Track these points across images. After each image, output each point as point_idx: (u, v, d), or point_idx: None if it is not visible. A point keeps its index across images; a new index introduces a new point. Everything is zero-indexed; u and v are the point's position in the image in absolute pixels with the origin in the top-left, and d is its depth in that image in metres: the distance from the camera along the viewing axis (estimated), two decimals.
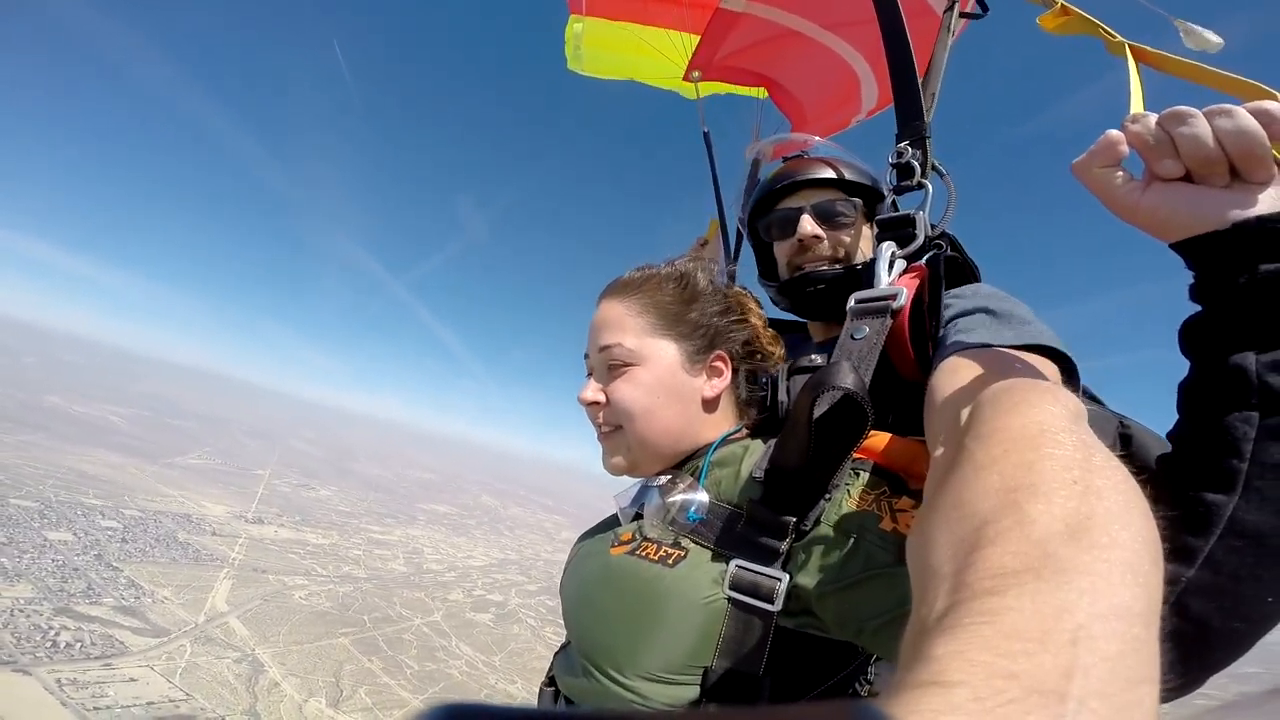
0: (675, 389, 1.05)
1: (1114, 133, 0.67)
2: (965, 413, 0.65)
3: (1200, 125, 0.62)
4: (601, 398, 1.07)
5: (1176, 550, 0.60)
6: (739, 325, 1.14)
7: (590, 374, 1.12)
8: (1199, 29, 1.25)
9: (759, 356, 1.14)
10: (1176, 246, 0.67)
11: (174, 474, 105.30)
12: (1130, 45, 0.97)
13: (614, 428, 1.07)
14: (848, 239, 1.35)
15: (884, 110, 2.32)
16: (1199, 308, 0.68)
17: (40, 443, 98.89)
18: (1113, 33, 1.05)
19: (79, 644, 42.06)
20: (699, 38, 2.34)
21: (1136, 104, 0.86)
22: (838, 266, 1.34)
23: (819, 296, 1.34)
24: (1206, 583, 0.58)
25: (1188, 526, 0.60)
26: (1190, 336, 0.68)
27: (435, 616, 69.27)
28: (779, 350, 1.16)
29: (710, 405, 1.08)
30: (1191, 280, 0.68)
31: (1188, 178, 0.65)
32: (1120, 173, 0.68)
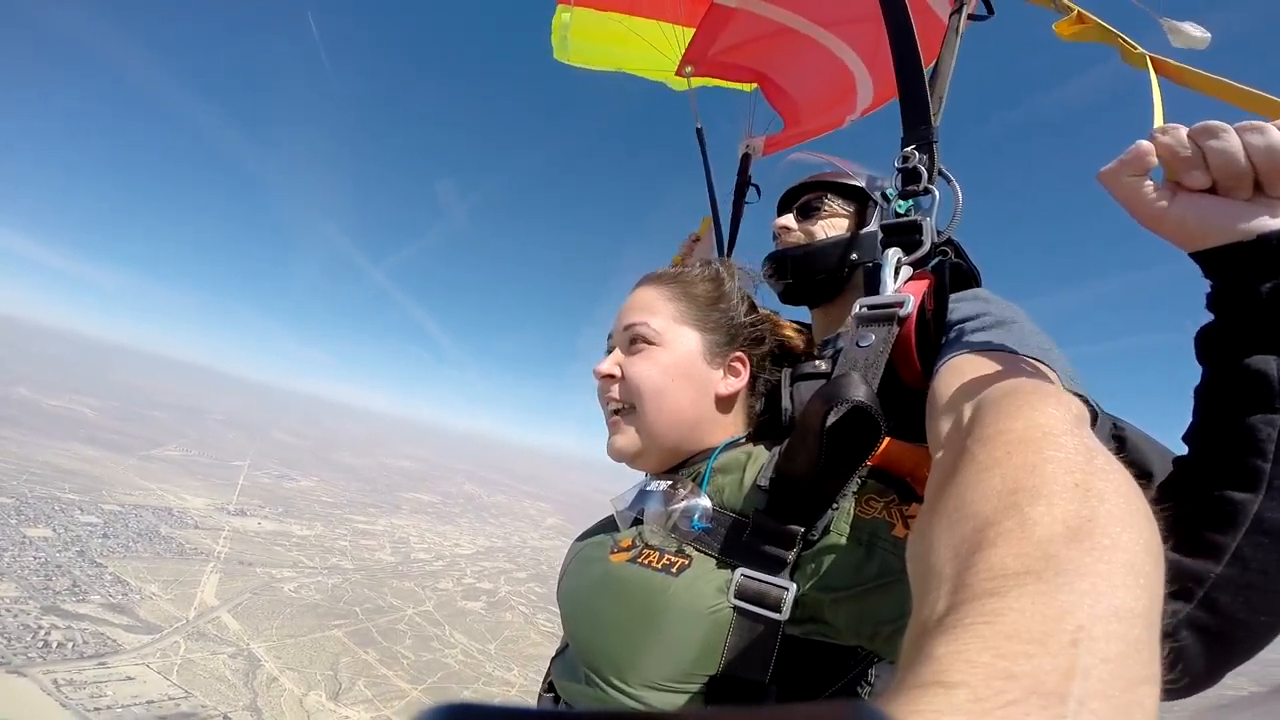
0: (691, 376, 1.06)
1: (1144, 143, 0.69)
2: (967, 415, 0.66)
3: (1232, 140, 0.64)
4: (618, 371, 1.08)
5: (1204, 547, 0.62)
6: (764, 333, 1.16)
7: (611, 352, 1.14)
8: (1184, 26, 1.20)
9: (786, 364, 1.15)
10: (1197, 256, 0.69)
11: (151, 466, 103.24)
12: (1151, 57, 0.95)
13: (625, 407, 1.07)
14: (815, 228, 1.44)
15: (878, 109, 2.30)
16: (1213, 316, 0.71)
17: (11, 436, 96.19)
18: (1132, 43, 1.02)
19: (71, 643, 41.51)
20: (689, 30, 2.29)
21: (1159, 117, 0.85)
22: (795, 249, 1.44)
23: (779, 277, 1.44)
24: (1235, 578, 0.60)
25: (1213, 524, 0.62)
26: (1208, 343, 0.71)
27: (427, 606, 69.45)
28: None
29: (724, 405, 1.09)
30: (1209, 289, 0.71)
31: (1210, 189, 0.68)
32: (1149, 182, 0.70)
